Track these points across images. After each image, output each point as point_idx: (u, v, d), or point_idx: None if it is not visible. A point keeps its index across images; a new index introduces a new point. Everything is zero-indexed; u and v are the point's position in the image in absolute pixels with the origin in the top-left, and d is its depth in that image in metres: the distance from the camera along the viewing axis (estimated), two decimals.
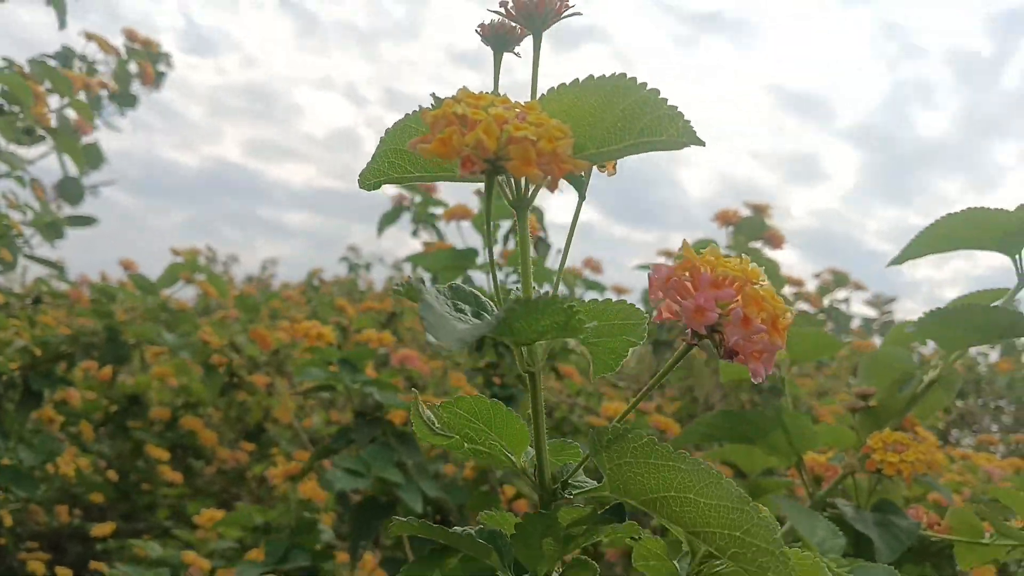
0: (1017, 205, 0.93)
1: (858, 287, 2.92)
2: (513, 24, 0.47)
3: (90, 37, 2.34)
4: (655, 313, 0.49)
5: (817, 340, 0.92)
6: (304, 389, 1.44)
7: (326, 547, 1.34)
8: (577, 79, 0.43)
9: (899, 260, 0.95)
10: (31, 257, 2.09)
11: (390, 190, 2.01)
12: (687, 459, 0.43)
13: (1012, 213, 0.93)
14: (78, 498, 2.27)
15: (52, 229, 2.13)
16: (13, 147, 1.99)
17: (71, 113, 2.14)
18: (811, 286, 2.81)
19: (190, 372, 2.01)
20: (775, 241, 1.55)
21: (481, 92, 0.42)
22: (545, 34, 0.48)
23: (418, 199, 1.92)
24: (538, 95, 0.45)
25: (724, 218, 1.60)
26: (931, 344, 1.05)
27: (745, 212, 1.57)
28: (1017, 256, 0.94)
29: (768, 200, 1.56)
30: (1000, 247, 0.94)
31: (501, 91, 0.45)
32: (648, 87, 0.42)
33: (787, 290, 2.06)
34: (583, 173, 0.50)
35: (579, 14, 0.48)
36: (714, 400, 1.84)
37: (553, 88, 0.44)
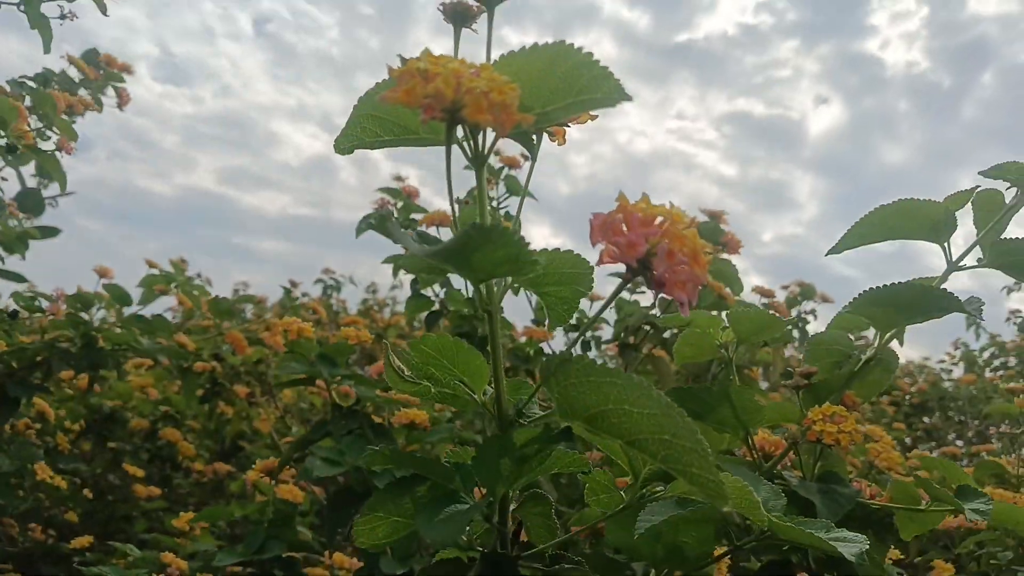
0: (945, 196, 1.02)
1: (824, 299, 3.03)
2: (470, 3, 0.54)
3: (72, 61, 2.40)
4: (598, 259, 0.55)
5: (760, 319, 0.99)
6: (284, 382, 1.49)
7: (302, 538, 1.37)
8: (524, 46, 0.50)
9: (837, 249, 1.03)
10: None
11: (372, 196, 2.08)
12: (622, 374, 0.49)
13: (940, 204, 1.01)
14: (52, 518, 2.27)
15: (20, 241, 2.15)
16: None
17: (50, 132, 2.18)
18: (780, 297, 2.91)
19: (169, 382, 2.04)
20: (732, 245, 1.64)
21: (441, 54, 0.49)
22: None
23: (400, 204, 1.98)
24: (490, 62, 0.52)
25: None
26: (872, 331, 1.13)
27: (702, 218, 1.66)
28: (946, 243, 1.03)
29: (723, 208, 1.66)
30: (930, 236, 1.02)
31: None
32: (584, 51, 0.49)
33: (756, 299, 2.14)
34: (533, 137, 0.57)
35: None
36: None
37: (504, 54, 0.51)
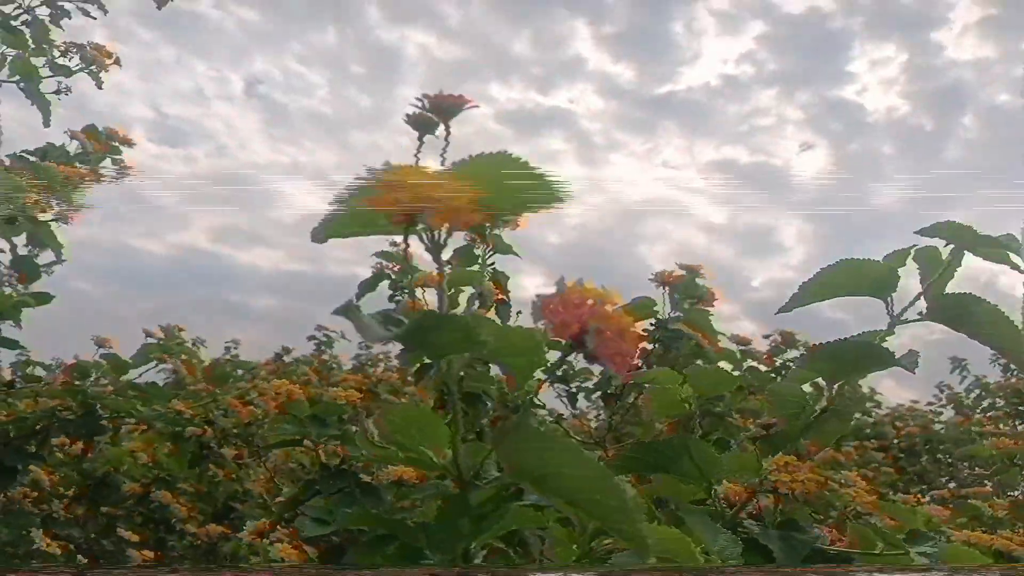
0: (883, 256, 1.10)
1: (807, 347, 3.10)
2: (429, 115, 0.63)
3: (74, 136, 2.50)
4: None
5: (717, 376, 1.06)
6: (274, 443, 1.54)
7: None
8: (482, 153, 0.58)
9: (787, 308, 1.10)
10: None
11: (371, 261, 2.16)
12: (560, 440, 0.56)
13: (881, 264, 1.09)
14: None
15: (16, 309, 2.20)
16: None
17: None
18: (763, 346, 2.98)
19: (162, 444, 2.09)
20: (709, 298, 1.74)
21: (406, 165, 0.58)
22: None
23: (397, 268, 2.05)
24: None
25: (661, 279, 1.79)
26: None
27: (680, 272, 1.76)
28: (888, 299, 1.10)
29: (701, 262, 1.76)
30: (873, 292, 1.10)
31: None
32: (522, 159, 0.57)
33: (734, 347, 2.22)
34: (487, 224, 0.65)
35: (477, 106, 0.64)
36: None
37: (465, 159, 0.59)
